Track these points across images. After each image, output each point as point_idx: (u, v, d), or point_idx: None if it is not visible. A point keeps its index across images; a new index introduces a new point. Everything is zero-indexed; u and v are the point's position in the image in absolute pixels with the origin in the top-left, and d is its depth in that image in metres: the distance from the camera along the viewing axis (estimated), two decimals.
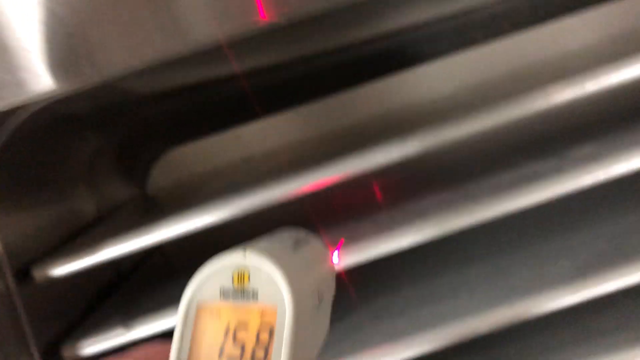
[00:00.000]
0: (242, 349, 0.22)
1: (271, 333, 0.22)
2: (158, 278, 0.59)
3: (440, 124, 0.41)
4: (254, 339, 0.22)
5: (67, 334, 0.45)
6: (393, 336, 0.42)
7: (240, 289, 0.22)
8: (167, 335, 0.37)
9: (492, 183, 0.45)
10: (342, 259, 0.38)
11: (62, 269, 0.42)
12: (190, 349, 0.22)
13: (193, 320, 0.22)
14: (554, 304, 0.42)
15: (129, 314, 0.44)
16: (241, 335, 0.22)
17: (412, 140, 0.40)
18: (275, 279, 0.22)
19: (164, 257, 0.73)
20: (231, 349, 0.22)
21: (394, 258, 0.42)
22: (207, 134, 0.72)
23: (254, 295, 0.22)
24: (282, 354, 0.22)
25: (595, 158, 0.41)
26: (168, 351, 0.23)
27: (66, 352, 0.43)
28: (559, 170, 0.41)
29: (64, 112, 0.47)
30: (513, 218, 0.42)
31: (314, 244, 0.30)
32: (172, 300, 0.44)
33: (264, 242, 0.25)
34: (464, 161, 0.61)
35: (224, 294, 0.23)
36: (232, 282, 0.23)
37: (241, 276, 0.23)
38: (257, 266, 0.23)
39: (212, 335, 0.22)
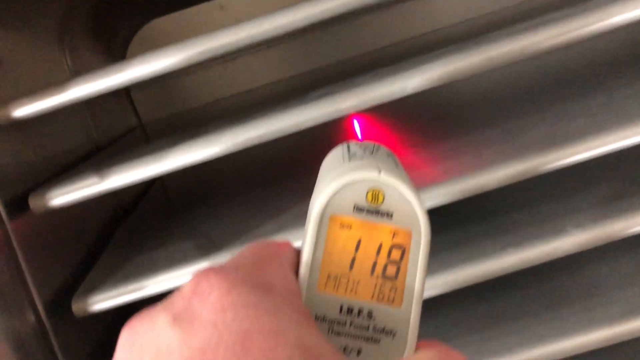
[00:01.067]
0: (374, 264, 0.23)
1: (403, 254, 0.23)
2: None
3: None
4: (385, 257, 0.23)
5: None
6: None
7: (374, 208, 0.23)
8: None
9: None
10: None
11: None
12: (323, 257, 0.23)
13: (326, 229, 0.23)
14: (566, 160, 0.39)
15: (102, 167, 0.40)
16: (373, 251, 0.23)
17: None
18: (411, 204, 0.23)
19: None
20: (362, 263, 0.23)
21: None
22: (187, 4, 0.67)
23: (389, 216, 0.23)
24: (417, 276, 0.23)
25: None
26: (284, 252, 0.23)
27: (35, 203, 0.39)
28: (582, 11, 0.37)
29: None
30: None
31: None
32: (147, 152, 0.41)
33: (380, 161, 0.25)
34: None
35: (358, 209, 0.23)
36: (366, 199, 0.23)
37: (375, 195, 0.23)
38: (392, 188, 0.23)
39: (343, 247, 0.23)
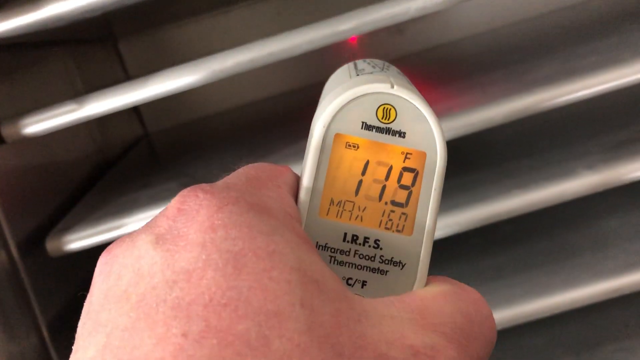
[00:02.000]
0: (383, 188, 0.20)
1: (415, 179, 0.20)
2: None
3: None
4: (395, 181, 0.20)
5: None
6: None
7: (385, 126, 0.20)
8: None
9: None
10: None
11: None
12: (326, 179, 0.20)
13: (330, 150, 0.20)
14: (576, 94, 0.36)
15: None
16: (382, 174, 0.20)
17: None
18: (428, 122, 0.20)
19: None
20: (370, 186, 0.20)
21: None
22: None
23: (401, 135, 0.20)
24: (431, 204, 0.20)
25: None
26: (282, 174, 0.21)
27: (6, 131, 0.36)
28: None
29: None
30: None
31: None
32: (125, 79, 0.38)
33: (392, 76, 0.22)
34: None
35: (366, 127, 0.20)
36: (376, 116, 0.20)
37: (387, 112, 0.20)
38: (406, 105, 0.20)
39: (349, 169, 0.20)
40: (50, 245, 0.38)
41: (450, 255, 0.44)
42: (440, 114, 0.37)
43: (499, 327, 0.39)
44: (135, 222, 0.38)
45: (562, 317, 0.41)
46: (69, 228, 0.39)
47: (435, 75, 0.55)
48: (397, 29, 0.67)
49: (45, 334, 0.39)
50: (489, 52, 0.60)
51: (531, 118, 0.38)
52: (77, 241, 0.38)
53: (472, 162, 0.46)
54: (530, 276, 0.42)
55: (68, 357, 0.15)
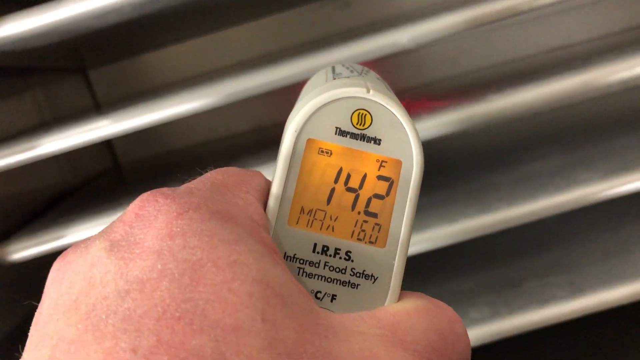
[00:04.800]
0: (356, 197, 0.20)
1: (390, 188, 0.20)
2: None
3: None
4: (370, 190, 0.20)
5: None
6: None
7: (360, 132, 0.20)
8: None
9: None
10: None
11: None
12: (296, 186, 0.19)
13: (301, 156, 0.19)
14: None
15: None
16: (356, 183, 0.20)
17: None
18: (404, 129, 0.20)
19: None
20: (342, 196, 0.20)
21: None
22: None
23: (376, 142, 0.20)
24: (405, 214, 0.20)
25: None
26: (252, 179, 0.20)
27: None
28: None
29: None
30: None
31: None
32: None
33: (370, 81, 0.21)
34: None
35: (340, 133, 0.20)
36: (351, 122, 0.19)
37: (362, 118, 0.20)
38: (382, 111, 0.20)
39: (321, 177, 0.20)
40: None
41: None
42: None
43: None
44: (75, 232, 0.38)
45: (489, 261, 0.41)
46: (10, 239, 0.39)
47: None
48: (344, 2, 0.68)
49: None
50: None
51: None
52: (19, 251, 0.38)
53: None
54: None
55: None
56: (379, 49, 0.37)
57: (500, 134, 0.65)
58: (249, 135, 0.71)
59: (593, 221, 0.52)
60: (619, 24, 0.67)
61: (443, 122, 0.37)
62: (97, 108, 0.68)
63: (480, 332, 0.40)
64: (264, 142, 0.64)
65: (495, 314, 0.41)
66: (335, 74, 0.22)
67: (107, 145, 0.71)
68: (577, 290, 0.41)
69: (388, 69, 0.70)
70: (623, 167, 0.40)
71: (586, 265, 0.44)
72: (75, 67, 0.67)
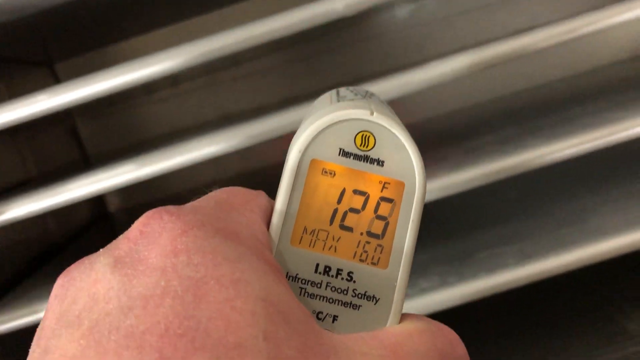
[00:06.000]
0: (358, 219, 0.20)
1: (393, 209, 0.20)
2: None
3: None
4: (372, 211, 0.20)
5: None
6: None
7: (364, 154, 0.20)
8: None
9: None
10: None
11: None
12: (300, 206, 0.20)
13: (305, 176, 0.20)
14: None
15: None
16: (358, 204, 0.20)
17: None
18: (407, 151, 0.20)
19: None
20: (345, 216, 0.20)
21: None
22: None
23: (379, 164, 0.20)
24: (408, 236, 0.20)
25: None
26: (256, 198, 0.20)
27: None
28: None
29: None
30: None
31: None
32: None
33: (373, 104, 0.21)
34: None
35: (344, 154, 0.20)
36: (355, 143, 0.20)
37: (365, 139, 0.20)
38: (385, 133, 0.20)
39: (324, 197, 0.20)
40: None
41: None
42: None
43: None
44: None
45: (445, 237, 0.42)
46: None
47: None
48: None
49: None
50: None
51: None
52: None
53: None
54: None
55: None
56: (315, 17, 0.37)
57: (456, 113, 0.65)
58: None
59: (549, 195, 0.52)
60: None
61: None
62: None
63: (430, 301, 0.40)
64: None
65: (444, 283, 0.40)
66: (339, 97, 0.23)
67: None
68: (526, 257, 0.40)
69: None
70: (569, 132, 0.40)
71: (538, 236, 0.44)
72: (42, 59, 0.67)
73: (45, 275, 0.47)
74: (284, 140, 0.29)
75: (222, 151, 0.39)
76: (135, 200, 0.71)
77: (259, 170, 0.71)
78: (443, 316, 0.41)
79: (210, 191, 0.20)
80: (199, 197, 0.19)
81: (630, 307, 0.44)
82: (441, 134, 0.61)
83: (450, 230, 0.49)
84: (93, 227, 0.66)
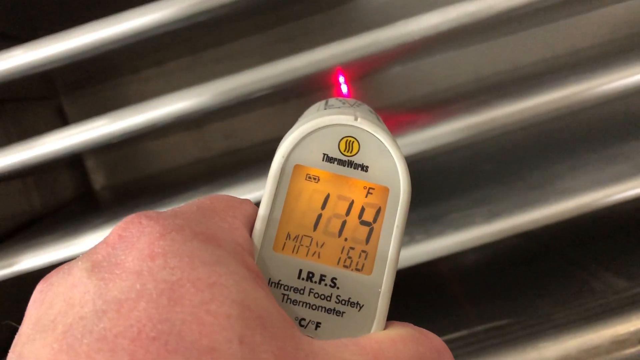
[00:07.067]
0: (343, 224, 0.20)
1: (377, 215, 0.20)
2: None
3: None
4: (356, 217, 0.20)
5: None
6: None
7: (348, 159, 0.20)
8: None
9: None
10: None
11: None
12: (283, 212, 0.20)
13: (289, 182, 0.20)
14: None
15: None
16: (343, 209, 0.20)
17: None
18: (391, 156, 0.20)
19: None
20: (329, 222, 0.20)
21: None
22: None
23: (363, 169, 0.20)
24: (392, 242, 0.20)
25: None
26: (240, 205, 0.20)
27: None
28: None
29: None
30: None
31: None
32: None
33: (359, 111, 0.21)
34: None
35: (328, 159, 0.20)
36: (339, 149, 0.20)
37: (349, 145, 0.20)
38: (369, 138, 0.20)
39: (308, 203, 0.20)
40: None
41: None
42: None
43: None
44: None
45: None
46: None
47: None
48: None
49: None
50: None
51: None
52: None
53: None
54: None
55: None
56: None
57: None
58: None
59: (524, 164, 0.52)
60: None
61: None
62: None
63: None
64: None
65: (411, 240, 0.41)
66: (327, 106, 0.23)
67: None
68: (493, 215, 0.41)
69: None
70: (535, 92, 0.41)
71: (507, 198, 0.44)
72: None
73: (25, 238, 0.48)
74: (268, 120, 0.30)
75: (193, 107, 0.39)
76: (120, 178, 0.72)
77: (243, 150, 0.71)
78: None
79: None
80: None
81: (595, 267, 0.44)
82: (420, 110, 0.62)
83: (426, 200, 0.50)
84: (77, 204, 0.67)
